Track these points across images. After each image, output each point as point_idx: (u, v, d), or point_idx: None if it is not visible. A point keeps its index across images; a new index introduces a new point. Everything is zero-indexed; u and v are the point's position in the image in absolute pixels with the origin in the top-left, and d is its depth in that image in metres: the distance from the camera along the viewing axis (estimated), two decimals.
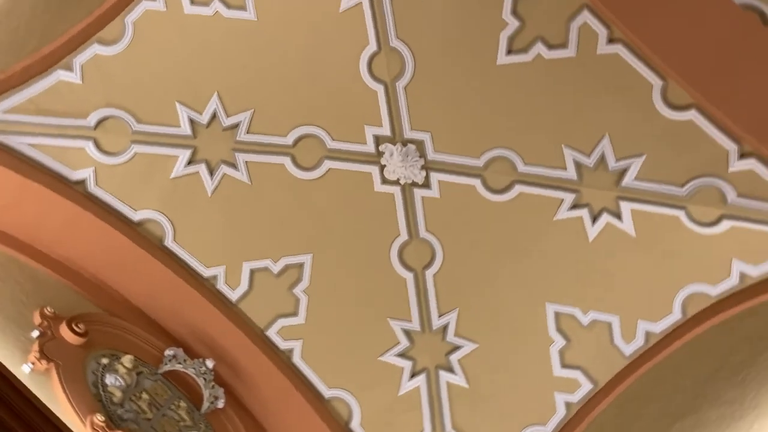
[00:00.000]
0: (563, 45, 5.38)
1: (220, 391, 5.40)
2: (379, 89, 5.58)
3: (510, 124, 5.52)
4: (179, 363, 5.31)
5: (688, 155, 5.29)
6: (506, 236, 5.64)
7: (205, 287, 5.79)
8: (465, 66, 5.49)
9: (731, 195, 5.22)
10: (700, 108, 5.17)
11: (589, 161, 5.48)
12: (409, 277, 5.79)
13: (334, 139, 5.69)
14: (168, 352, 5.36)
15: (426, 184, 5.72)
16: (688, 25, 4.96)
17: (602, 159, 5.45)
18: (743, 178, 5.20)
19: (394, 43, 5.49)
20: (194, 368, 5.32)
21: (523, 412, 5.67)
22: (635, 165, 5.40)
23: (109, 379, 4.72)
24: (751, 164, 5.18)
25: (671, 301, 5.39)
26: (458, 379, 5.83)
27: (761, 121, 5.01)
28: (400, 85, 5.57)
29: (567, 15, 5.32)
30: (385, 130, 5.68)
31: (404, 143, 5.68)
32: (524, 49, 5.42)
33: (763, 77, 4.89)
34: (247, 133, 5.69)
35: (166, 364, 5.29)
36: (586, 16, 5.31)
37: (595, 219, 5.49)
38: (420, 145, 5.67)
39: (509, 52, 5.41)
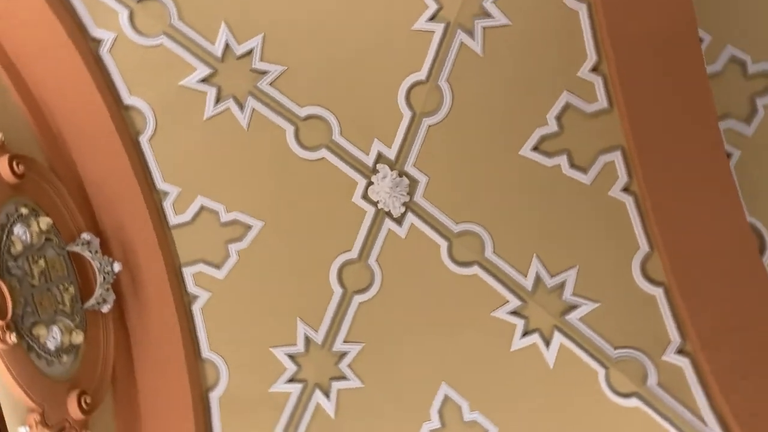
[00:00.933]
0: (584, 170, 5.42)
1: (111, 297, 5.20)
2: (406, 115, 5.53)
3: (500, 209, 5.51)
4: (89, 251, 5.10)
5: (636, 324, 5.33)
6: (442, 306, 5.58)
7: (152, 198, 5.60)
8: (490, 137, 5.49)
9: (652, 379, 5.26)
10: (669, 291, 5.24)
11: (549, 281, 5.49)
12: (338, 292, 5.69)
13: (341, 134, 5.60)
14: (85, 236, 5.16)
15: (399, 220, 5.66)
16: (698, 217, 5.04)
17: (561, 286, 5.47)
18: (671, 371, 5.26)
19: (443, 83, 5.46)
20: (100, 263, 5.12)
21: None
22: (586, 307, 5.43)
23: (18, 230, 4.51)
24: (684, 363, 5.25)
25: None
26: (328, 405, 5.71)
27: (714, 331, 5.08)
28: (427, 122, 5.53)
29: (602, 146, 5.36)
30: (391, 153, 5.63)
31: (401, 174, 5.63)
32: (549, 154, 5.45)
33: (736, 297, 4.98)
34: (270, 84, 5.57)
35: (77, 245, 5.08)
36: (616, 156, 5.37)
37: (525, 334, 5.48)
38: (413, 182, 5.63)
39: (535, 148, 5.43)
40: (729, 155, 5.38)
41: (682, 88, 5.16)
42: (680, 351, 5.23)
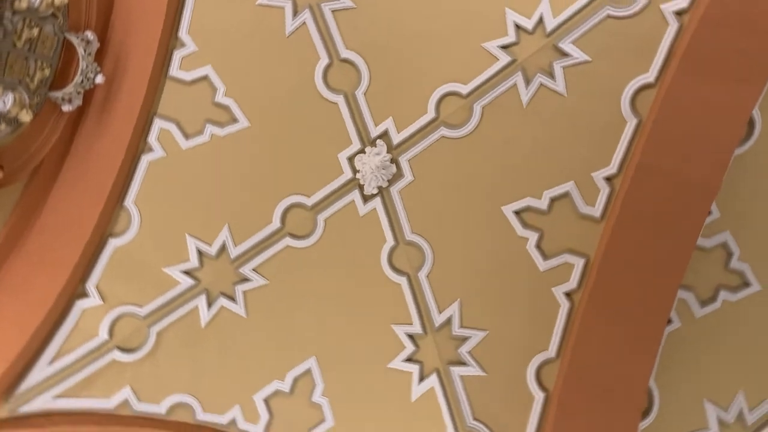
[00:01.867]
0: (545, 256, 5.50)
1: (77, 101, 5.04)
2: (429, 115, 5.48)
3: (455, 243, 5.52)
4: (84, 50, 4.91)
5: (503, 410, 5.41)
6: (356, 293, 5.57)
7: (167, 41, 5.48)
8: (487, 178, 5.49)
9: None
10: (547, 401, 5.31)
11: (455, 330, 5.54)
12: (274, 225, 5.60)
13: (365, 94, 5.51)
14: (88, 34, 4.97)
15: (366, 198, 5.65)
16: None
17: (463, 340, 5.56)
18: None
19: (477, 106, 5.44)
20: (87, 65, 4.94)
21: None
22: (472, 369, 5.50)
23: None
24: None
25: None
26: (205, 313, 5.62)
27: None
28: (443, 131, 5.50)
29: (573, 246, 5.41)
30: (396, 138, 5.60)
31: (393, 160, 5.58)
32: (525, 224, 5.53)
33: None
34: (332, 11, 5.47)
35: (77, 37, 4.89)
36: (578, 262, 5.41)
37: (409, 360, 5.49)
38: (399, 174, 5.61)
39: (516, 213, 5.47)
40: (670, 321, 5.47)
41: (660, 266, 5.21)
42: None
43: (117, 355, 5.68)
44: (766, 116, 5.37)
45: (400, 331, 5.55)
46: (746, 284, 5.67)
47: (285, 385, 5.64)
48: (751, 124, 5.38)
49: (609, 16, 5.24)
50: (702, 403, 5.59)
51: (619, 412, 5.21)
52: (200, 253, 5.61)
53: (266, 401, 5.65)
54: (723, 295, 5.67)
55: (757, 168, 5.44)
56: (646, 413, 5.43)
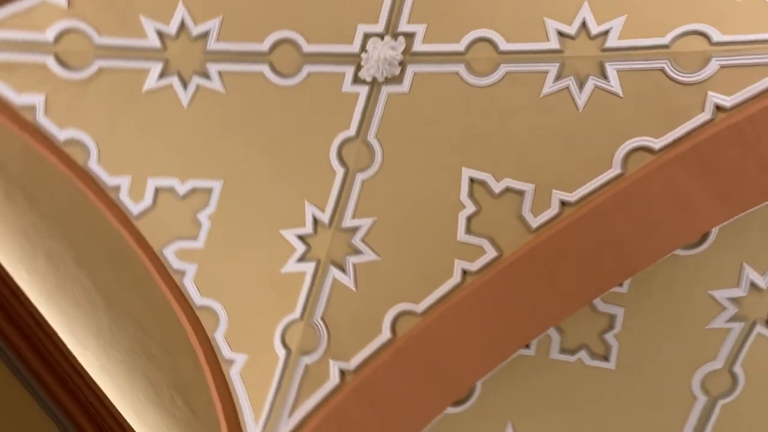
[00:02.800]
0: None
1: None
2: None
3: None
4: None
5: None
6: None
7: None
8: None
9: None
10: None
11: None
12: None
13: None
14: None
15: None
16: None
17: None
18: None
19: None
20: None
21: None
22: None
23: None
24: None
25: None
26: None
27: None
28: None
29: None
30: None
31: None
32: None
33: None
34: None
35: None
36: None
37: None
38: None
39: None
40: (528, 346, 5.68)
41: (551, 300, 5.45)
42: None
43: (50, 62, 5.35)
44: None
45: (310, 211, 5.50)
46: (605, 358, 5.94)
47: (181, 188, 5.51)
48: (705, 236, 5.53)
49: (662, 70, 5.16)
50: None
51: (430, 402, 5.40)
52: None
53: (156, 190, 5.51)
54: (581, 354, 5.93)
55: (684, 278, 5.64)
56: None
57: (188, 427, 4.67)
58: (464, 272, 5.60)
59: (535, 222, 5.52)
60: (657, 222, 5.26)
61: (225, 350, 5.39)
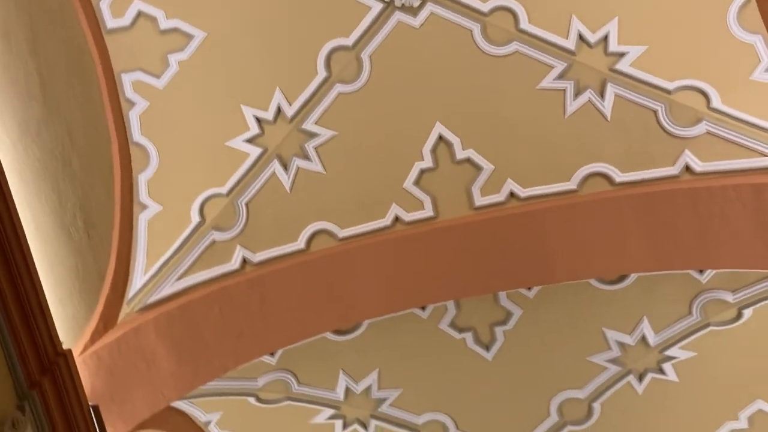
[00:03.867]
0: None
1: None
2: None
3: None
4: None
5: None
6: None
7: None
8: None
9: None
10: None
11: None
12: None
13: None
14: None
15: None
16: None
17: None
18: None
19: None
20: None
21: None
22: None
23: None
24: None
25: None
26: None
27: None
28: None
29: None
30: None
31: None
32: None
33: None
34: None
35: None
36: None
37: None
38: None
39: None
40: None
41: None
42: None
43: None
44: None
45: (278, 99, 5.36)
46: (487, 347, 6.10)
47: (164, 23, 5.24)
48: (623, 278, 5.67)
49: (655, 113, 5.17)
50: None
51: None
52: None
53: (139, 12, 5.18)
54: (467, 335, 6.09)
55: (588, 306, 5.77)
56: None
57: (78, 249, 4.54)
58: (396, 218, 5.58)
59: (479, 201, 5.53)
60: (589, 247, 5.35)
61: (143, 193, 5.24)
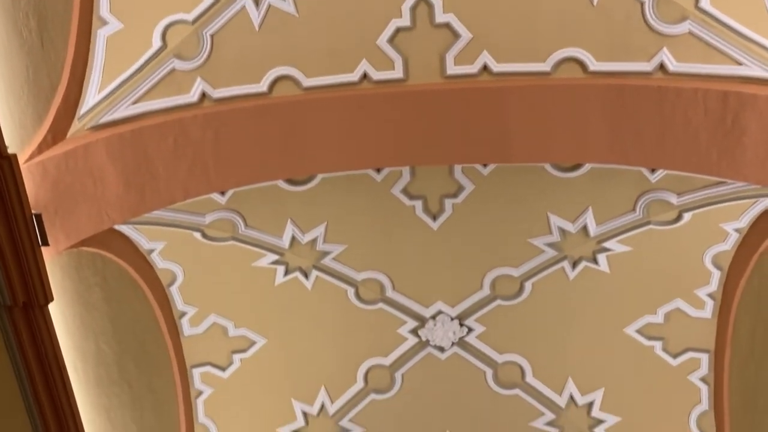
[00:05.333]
0: None
1: None
2: None
3: None
4: None
5: None
6: None
7: None
8: None
9: None
10: None
11: None
12: None
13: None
14: None
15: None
16: None
17: None
18: None
19: None
20: None
21: None
22: None
23: None
24: None
25: None
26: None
27: None
28: None
29: None
30: None
31: None
32: None
33: None
34: None
35: None
36: None
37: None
38: None
39: None
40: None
41: None
42: None
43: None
44: None
45: None
46: (434, 217, 6.18)
47: None
48: (577, 167, 5.72)
49: (642, 3, 5.02)
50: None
51: None
52: None
53: None
54: (417, 203, 6.14)
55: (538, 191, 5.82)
56: None
57: (29, 52, 4.26)
58: (365, 75, 5.41)
59: (451, 69, 5.38)
60: (551, 132, 5.31)
61: (104, 8, 4.87)
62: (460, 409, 6.82)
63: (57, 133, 4.61)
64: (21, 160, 4.11)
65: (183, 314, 6.26)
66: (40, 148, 4.42)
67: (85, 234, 4.69)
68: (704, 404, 6.25)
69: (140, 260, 5.76)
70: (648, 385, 6.41)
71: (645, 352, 6.33)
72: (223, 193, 5.77)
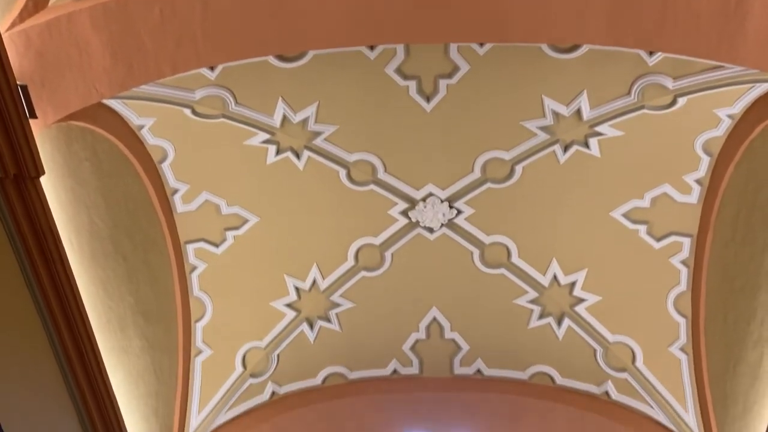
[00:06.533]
0: None
1: None
2: None
3: None
4: None
5: None
6: None
7: None
8: None
9: None
10: None
11: None
12: None
13: None
14: None
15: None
16: None
17: None
18: None
19: None
20: None
21: None
22: None
23: None
24: None
25: None
26: None
27: None
28: None
29: None
30: None
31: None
32: None
33: None
34: None
35: None
36: None
37: None
38: None
39: None
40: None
41: None
42: None
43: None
44: None
45: None
46: (428, 98, 6.06)
47: None
48: (575, 48, 5.58)
49: None
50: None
51: None
52: None
53: None
54: (411, 83, 6.02)
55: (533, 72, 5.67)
56: None
57: None
58: None
59: None
60: (550, 11, 5.11)
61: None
62: (447, 287, 7.01)
63: (38, 0, 4.41)
64: (2, 28, 3.95)
65: (175, 191, 6.26)
66: (22, 16, 4.23)
67: (74, 107, 4.59)
68: (682, 285, 6.44)
69: (130, 136, 5.69)
70: (630, 267, 6.57)
71: (629, 236, 6.45)
72: (212, 69, 5.62)
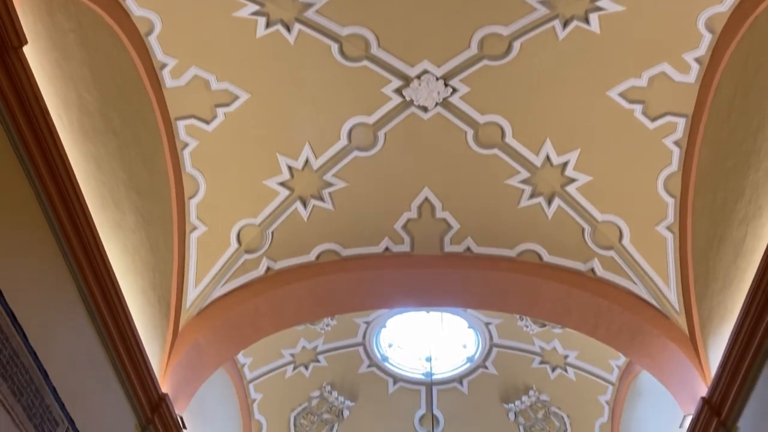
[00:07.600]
0: None
1: None
2: None
3: None
4: None
5: None
6: None
7: None
8: None
9: None
10: None
11: None
12: None
13: None
14: None
15: None
16: None
17: None
18: None
19: None
20: None
21: None
22: None
23: None
24: None
25: None
26: None
27: None
28: None
29: None
30: None
31: None
32: None
33: None
34: None
35: None
36: None
37: None
38: None
39: None
40: None
41: None
42: None
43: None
44: None
45: None
46: None
47: None
48: None
49: None
50: None
51: None
52: None
53: None
54: None
55: None
56: None
57: None
58: None
59: None
60: None
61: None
62: (439, 167, 7.00)
63: None
64: None
65: (163, 65, 6.07)
66: None
67: None
68: (674, 166, 6.46)
69: (114, 5, 5.45)
70: (623, 148, 6.56)
71: (624, 115, 6.39)
72: None
